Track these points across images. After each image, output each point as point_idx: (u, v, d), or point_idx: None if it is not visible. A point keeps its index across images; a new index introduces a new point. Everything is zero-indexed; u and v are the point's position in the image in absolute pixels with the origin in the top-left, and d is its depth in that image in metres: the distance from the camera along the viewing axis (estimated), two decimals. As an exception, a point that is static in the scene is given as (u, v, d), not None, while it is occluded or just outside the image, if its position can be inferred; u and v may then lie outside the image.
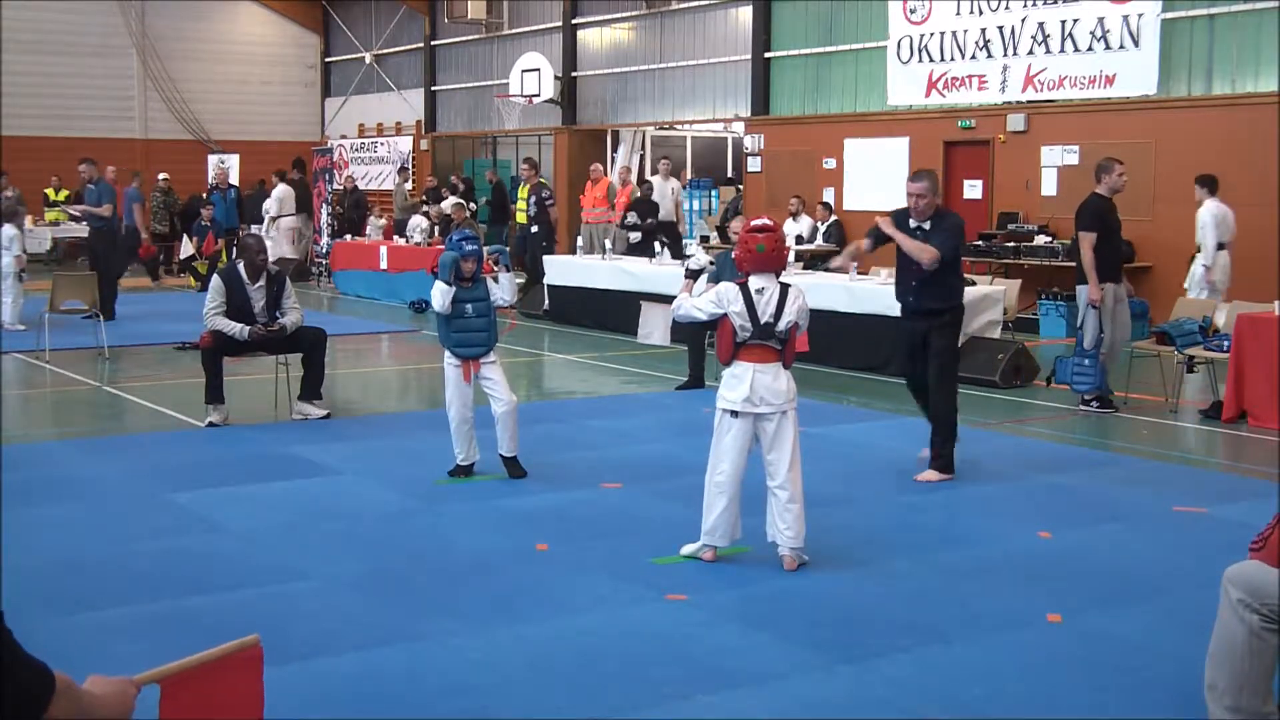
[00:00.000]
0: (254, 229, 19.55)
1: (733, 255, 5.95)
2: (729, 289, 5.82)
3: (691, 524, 6.58)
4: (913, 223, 7.74)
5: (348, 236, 21.07)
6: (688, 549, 5.98)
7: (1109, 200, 9.98)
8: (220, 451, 8.36)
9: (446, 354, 7.63)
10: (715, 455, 5.89)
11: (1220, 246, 12.79)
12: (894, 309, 11.74)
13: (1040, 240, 15.26)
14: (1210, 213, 12.77)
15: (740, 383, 5.76)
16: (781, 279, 5.93)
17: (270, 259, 9.69)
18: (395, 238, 19.86)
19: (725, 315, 5.80)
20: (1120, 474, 7.90)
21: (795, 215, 18.40)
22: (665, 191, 18.62)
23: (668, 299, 13.28)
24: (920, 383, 7.94)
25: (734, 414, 5.77)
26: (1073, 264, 14.59)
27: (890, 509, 6.96)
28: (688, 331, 11.17)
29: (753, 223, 5.97)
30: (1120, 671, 4.60)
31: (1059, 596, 5.40)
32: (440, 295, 7.51)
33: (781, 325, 5.81)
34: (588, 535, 6.38)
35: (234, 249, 14.98)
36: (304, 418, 9.37)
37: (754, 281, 5.83)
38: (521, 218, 19.02)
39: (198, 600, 5.33)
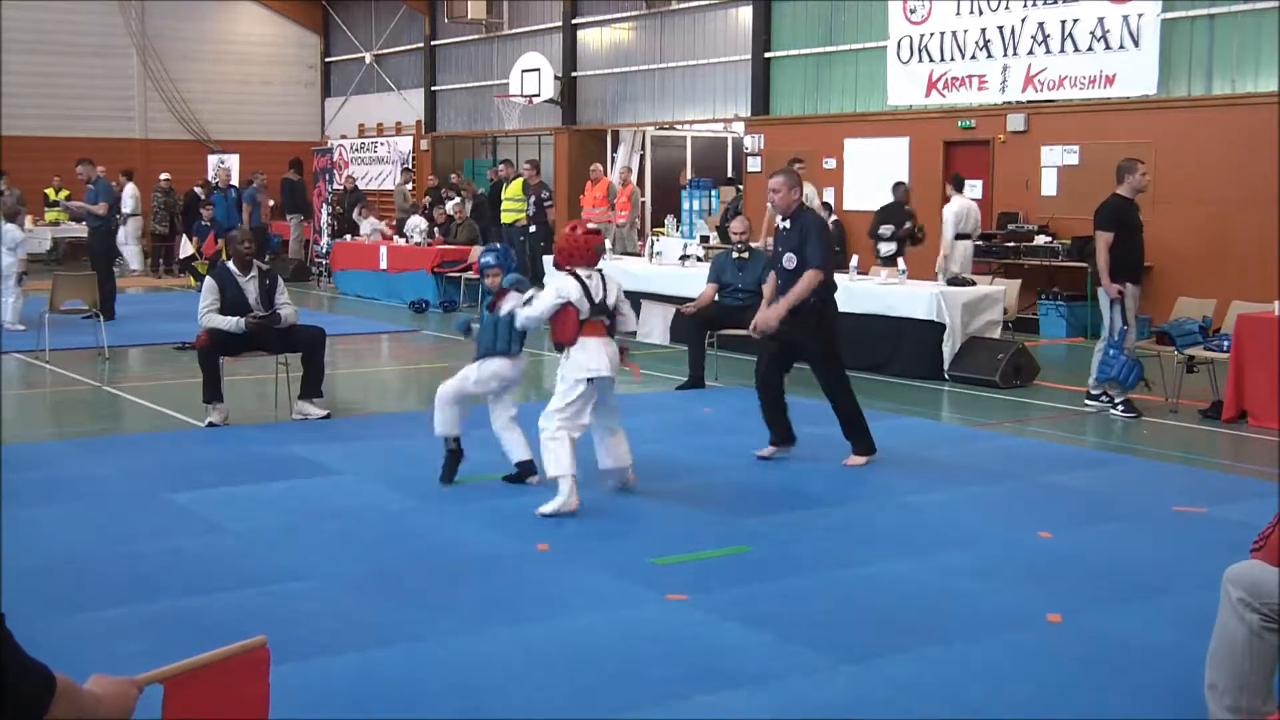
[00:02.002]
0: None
1: (558, 250, 7.05)
2: (565, 281, 6.86)
3: (692, 524, 6.58)
4: (779, 222, 7.89)
5: (347, 237, 21.08)
6: (549, 508, 6.63)
7: (1130, 200, 9.92)
8: (220, 451, 8.36)
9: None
10: (575, 414, 6.78)
11: (962, 236, 14.73)
12: (895, 309, 11.82)
13: (1040, 240, 15.26)
14: (953, 209, 14.82)
15: (594, 354, 6.79)
16: (601, 268, 7.04)
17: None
18: (395, 238, 19.86)
19: (567, 303, 6.79)
20: (1120, 474, 7.90)
21: (796, 215, 18.40)
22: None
23: (668, 298, 13.31)
24: (767, 379, 7.99)
25: (590, 381, 6.77)
26: (1078, 264, 14.67)
27: (890, 509, 6.96)
28: (689, 331, 11.18)
29: (590, 226, 7.17)
30: (1120, 671, 4.60)
31: (1059, 596, 5.40)
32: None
33: (611, 300, 6.91)
34: (588, 535, 6.38)
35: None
36: (304, 418, 9.38)
37: (582, 272, 6.88)
38: (508, 217, 18.92)
39: (198, 600, 5.33)
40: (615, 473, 7.16)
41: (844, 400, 7.89)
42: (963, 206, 14.84)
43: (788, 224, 7.74)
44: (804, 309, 7.63)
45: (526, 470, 7.37)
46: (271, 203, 22.44)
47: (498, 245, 8.14)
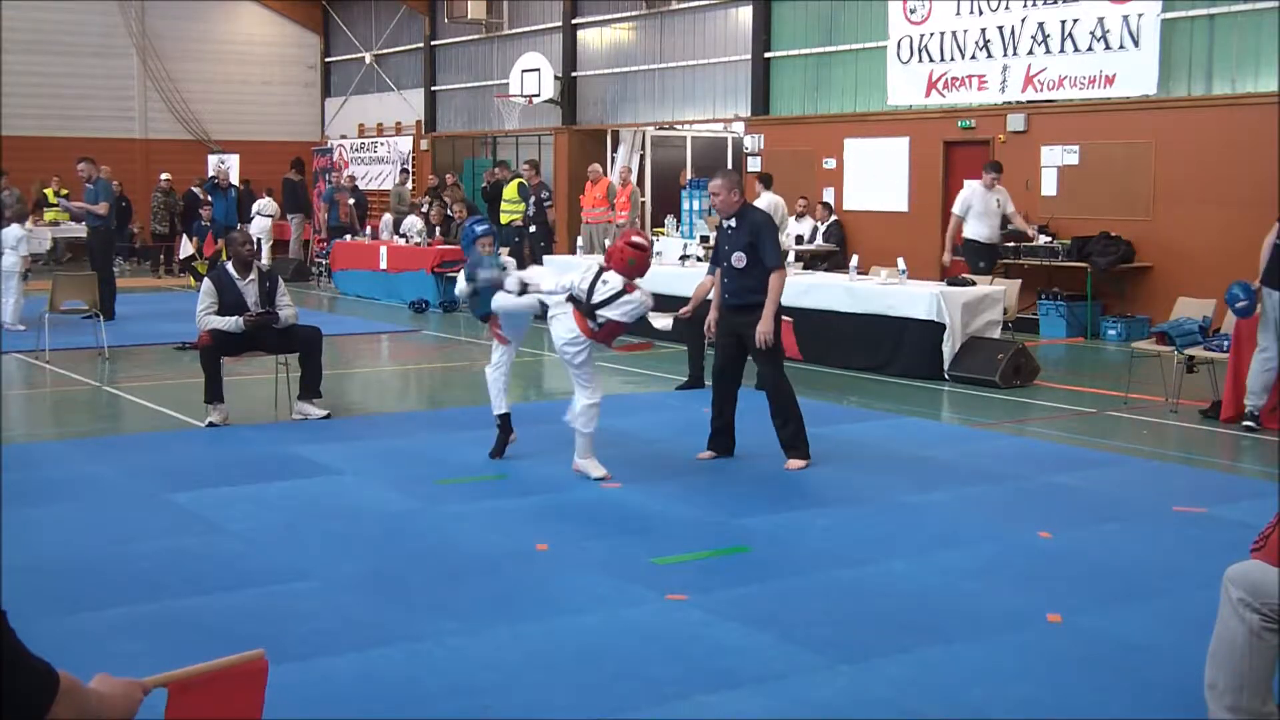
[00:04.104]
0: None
1: (611, 251, 7.43)
2: (591, 267, 7.43)
3: (692, 524, 6.59)
4: (723, 222, 7.99)
5: (347, 237, 21.09)
6: (598, 473, 7.44)
7: None
8: (220, 451, 8.36)
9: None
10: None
11: None
12: (895, 309, 11.83)
13: (1040, 240, 15.26)
14: (761, 205, 15.19)
15: (559, 320, 7.44)
16: (631, 283, 7.34)
17: None
18: (395, 237, 19.88)
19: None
20: (1120, 474, 7.90)
21: (799, 216, 18.40)
22: (990, 205, 14.07)
23: (669, 300, 13.32)
24: (722, 376, 8.13)
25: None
26: (1078, 264, 14.66)
27: (890, 509, 6.96)
28: (688, 331, 11.16)
29: (635, 239, 7.44)
30: (1120, 671, 4.60)
31: (1059, 596, 5.40)
32: (460, 288, 8.47)
33: (601, 313, 7.27)
34: (588, 535, 6.38)
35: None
36: (304, 418, 9.38)
37: (607, 275, 7.29)
38: (505, 218, 18.93)
39: (198, 600, 5.33)
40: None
41: (783, 395, 7.91)
42: (771, 202, 15.56)
43: (733, 223, 7.88)
44: (754, 304, 7.77)
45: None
46: (352, 201, 22.37)
47: (480, 215, 8.97)
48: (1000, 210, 14.16)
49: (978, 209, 14.04)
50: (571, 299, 7.39)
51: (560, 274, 7.79)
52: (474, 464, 7.98)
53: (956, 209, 14.18)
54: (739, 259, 7.80)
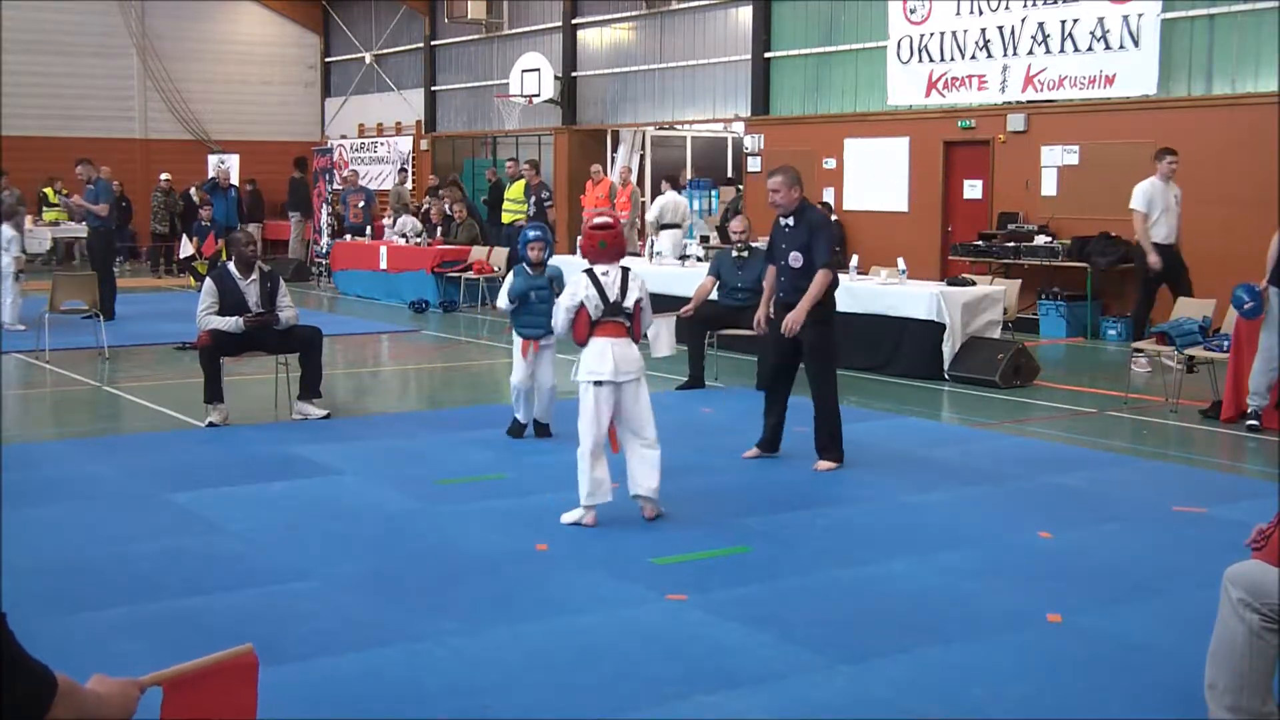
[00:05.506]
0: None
1: (580, 246, 7.19)
2: (579, 280, 6.62)
3: (692, 524, 6.58)
4: (780, 220, 7.92)
5: (347, 236, 21.08)
6: (569, 517, 6.56)
7: None
8: (220, 451, 8.35)
9: (514, 331, 8.81)
10: (586, 424, 6.54)
11: (669, 226, 16.83)
12: (896, 309, 11.83)
13: (1040, 240, 15.25)
14: (659, 203, 16.98)
15: (604, 357, 6.50)
16: (623, 264, 6.77)
17: None
18: (392, 236, 19.89)
19: (582, 302, 6.56)
20: (1120, 474, 7.90)
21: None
22: (1169, 200, 12.38)
23: (668, 300, 13.37)
24: (773, 374, 8.16)
25: (599, 384, 6.50)
26: (1078, 264, 14.67)
27: (890, 509, 6.96)
28: (689, 332, 11.17)
29: (595, 220, 6.86)
30: (1120, 671, 4.60)
31: (1059, 596, 5.40)
32: (503, 302, 8.77)
33: (628, 301, 6.61)
34: (588, 535, 6.38)
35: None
36: (304, 418, 9.38)
37: (598, 269, 6.64)
38: (508, 217, 18.98)
39: (198, 600, 5.33)
40: (639, 500, 6.69)
41: (828, 398, 7.88)
42: (670, 200, 16.30)
43: (790, 221, 7.78)
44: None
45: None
46: (362, 204, 22.33)
47: (541, 224, 9.30)
48: (1179, 207, 12.43)
49: (1159, 205, 12.35)
50: (596, 321, 6.57)
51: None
52: (474, 464, 7.98)
53: (1139, 205, 12.34)
54: (796, 259, 7.69)
